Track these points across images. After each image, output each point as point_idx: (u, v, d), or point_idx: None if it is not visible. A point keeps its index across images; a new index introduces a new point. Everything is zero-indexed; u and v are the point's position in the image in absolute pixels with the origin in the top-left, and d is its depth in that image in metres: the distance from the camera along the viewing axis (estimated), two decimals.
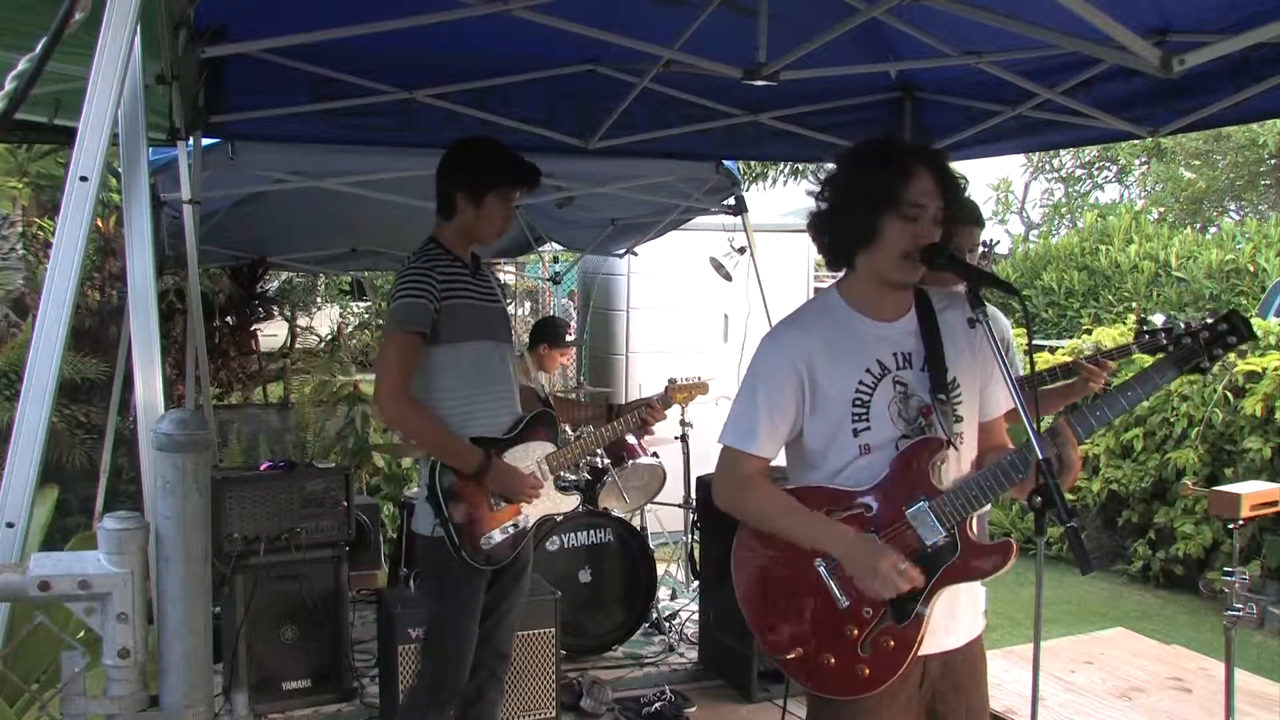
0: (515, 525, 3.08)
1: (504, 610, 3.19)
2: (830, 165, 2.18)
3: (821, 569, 2.08)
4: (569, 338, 5.61)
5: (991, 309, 3.31)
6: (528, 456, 3.14)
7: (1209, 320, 2.16)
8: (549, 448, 3.22)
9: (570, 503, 3.36)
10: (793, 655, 2.09)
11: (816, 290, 8.03)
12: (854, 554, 2.03)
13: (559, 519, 4.76)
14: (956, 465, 2.14)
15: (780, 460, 2.24)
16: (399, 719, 3.24)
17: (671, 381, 3.85)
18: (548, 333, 5.58)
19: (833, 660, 2.07)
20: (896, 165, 2.05)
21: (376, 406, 2.98)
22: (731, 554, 2.20)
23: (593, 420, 3.73)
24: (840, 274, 2.25)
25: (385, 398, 2.89)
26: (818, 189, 2.17)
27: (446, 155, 3.05)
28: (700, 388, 3.87)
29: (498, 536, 3.02)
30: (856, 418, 2.08)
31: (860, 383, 2.09)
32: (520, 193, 3.08)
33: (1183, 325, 2.15)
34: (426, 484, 2.95)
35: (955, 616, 2.14)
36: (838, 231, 2.14)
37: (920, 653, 2.07)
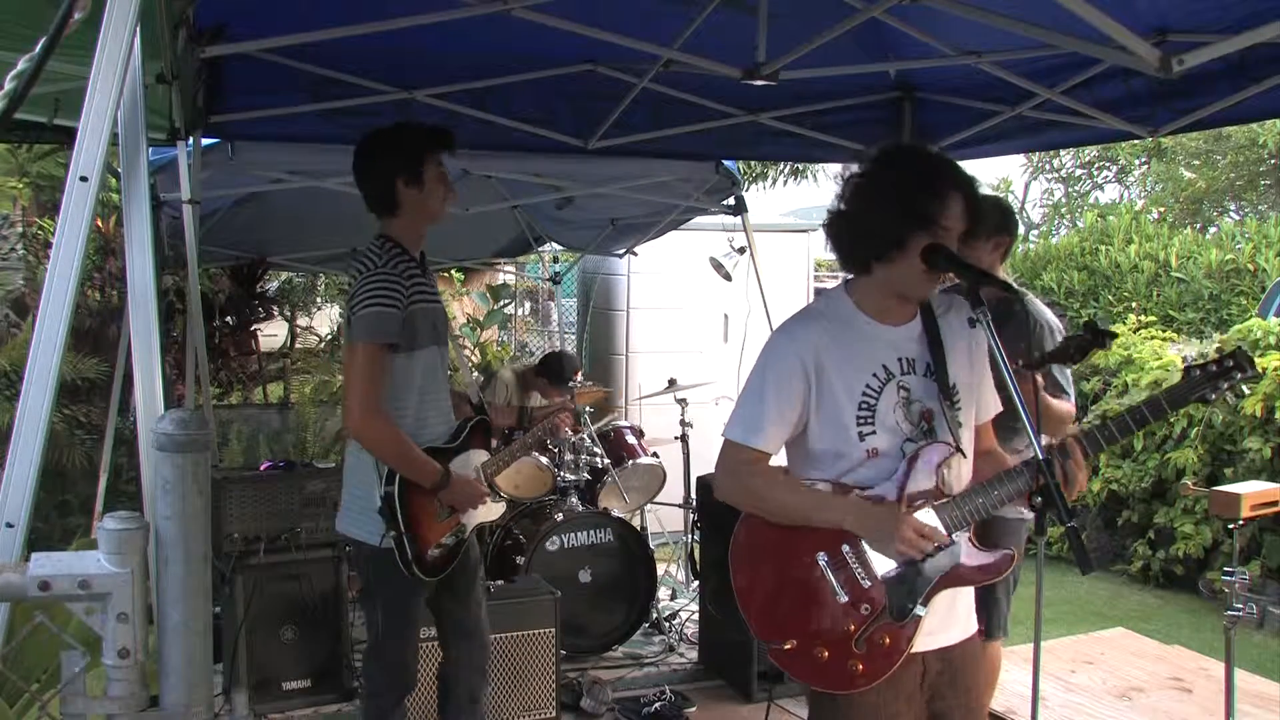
0: (456, 535, 3.03)
1: (475, 618, 3.18)
2: (858, 165, 2.15)
3: (823, 562, 2.08)
4: (571, 383, 5.39)
5: (1031, 297, 3.36)
6: (468, 465, 3.07)
7: (1217, 358, 2.18)
8: (484, 455, 3.17)
9: (498, 509, 3.33)
10: (787, 646, 2.10)
11: (816, 290, 8.04)
12: (870, 522, 2.04)
13: (558, 519, 4.77)
14: (960, 471, 2.15)
15: (780, 460, 2.24)
16: None
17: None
18: (551, 370, 5.41)
19: (826, 654, 2.07)
20: (937, 189, 2.03)
21: (347, 422, 2.83)
22: (730, 542, 2.19)
23: (514, 425, 3.71)
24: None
25: (360, 414, 2.75)
26: (842, 189, 2.15)
27: (364, 154, 2.93)
28: (597, 393, 4.44)
29: (441, 548, 2.97)
30: (862, 420, 2.09)
31: (867, 385, 2.10)
32: (444, 156, 2.95)
33: (1197, 372, 2.17)
34: (382, 495, 2.84)
35: (954, 613, 2.16)
36: (861, 238, 2.12)
37: (915, 650, 2.08)
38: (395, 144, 2.89)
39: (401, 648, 3.02)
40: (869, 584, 2.07)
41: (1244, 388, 6.19)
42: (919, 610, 2.05)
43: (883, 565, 2.07)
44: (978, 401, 2.23)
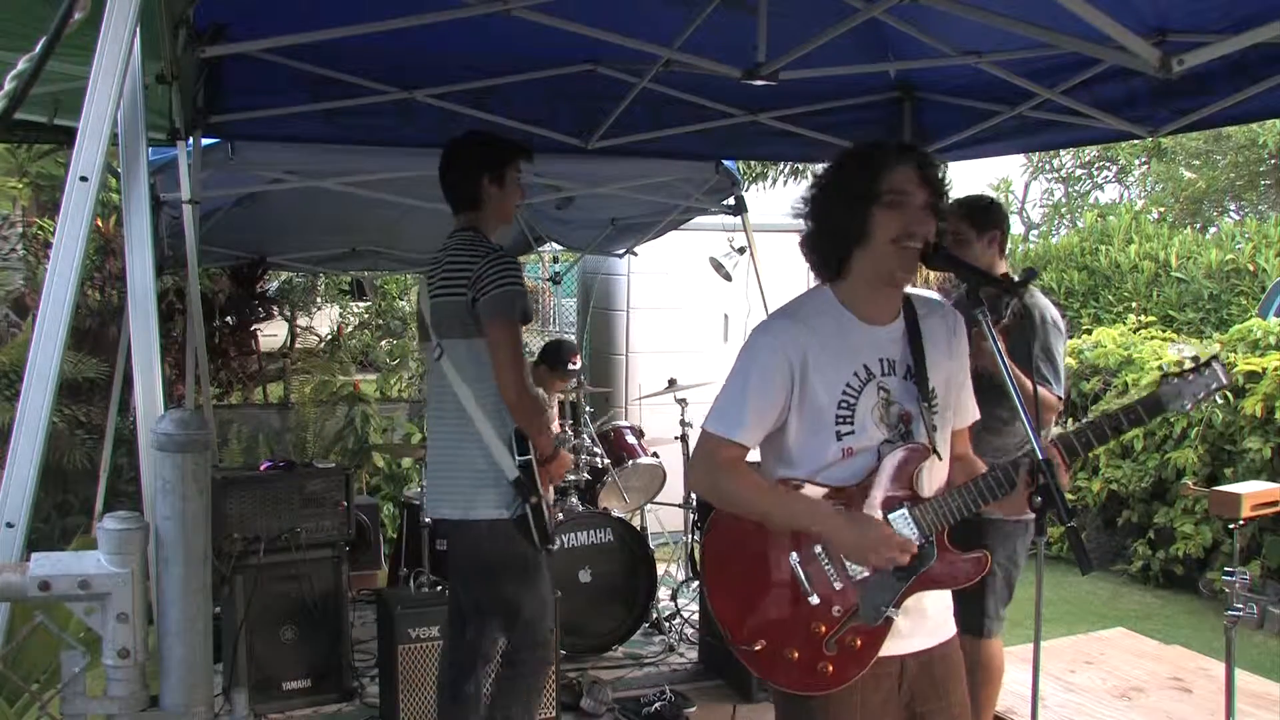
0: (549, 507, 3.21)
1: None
2: (807, 189, 2.18)
3: (795, 563, 2.07)
4: (570, 366, 5.44)
5: (1032, 289, 3.40)
6: None
7: (1194, 367, 2.16)
8: None
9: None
10: (757, 647, 2.09)
11: None
12: (846, 535, 2.03)
13: (558, 519, 4.77)
14: (934, 474, 2.14)
15: (754, 455, 2.23)
16: (510, 706, 3.23)
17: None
18: (549, 355, 5.49)
19: (796, 655, 2.06)
20: (869, 159, 2.07)
21: (508, 395, 3.01)
22: (701, 542, 2.21)
23: None
24: None
25: (519, 384, 2.99)
26: (801, 208, 2.18)
27: (459, 152, 3.19)
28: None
29: (552, 517, 3.19)
30: (841, 420, 2.08)
31: (847, 385, 2.09)
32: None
33: (1174, 379, 2.16)
34: (520, 463, 3.02)
35: (925, 617, 2.14)
36: (829, 237, 2.13)
37: (891, 654, 2.07)
38: (484, 147, 3.21)
39: (547, 612, 3.20)
40: (841, 585, 2.06)
41: (1245, 387, 6.19)
42: (891, 613, 2.04)
43: (855, 566, 2.06)
44: (955, 407, 2.23)
